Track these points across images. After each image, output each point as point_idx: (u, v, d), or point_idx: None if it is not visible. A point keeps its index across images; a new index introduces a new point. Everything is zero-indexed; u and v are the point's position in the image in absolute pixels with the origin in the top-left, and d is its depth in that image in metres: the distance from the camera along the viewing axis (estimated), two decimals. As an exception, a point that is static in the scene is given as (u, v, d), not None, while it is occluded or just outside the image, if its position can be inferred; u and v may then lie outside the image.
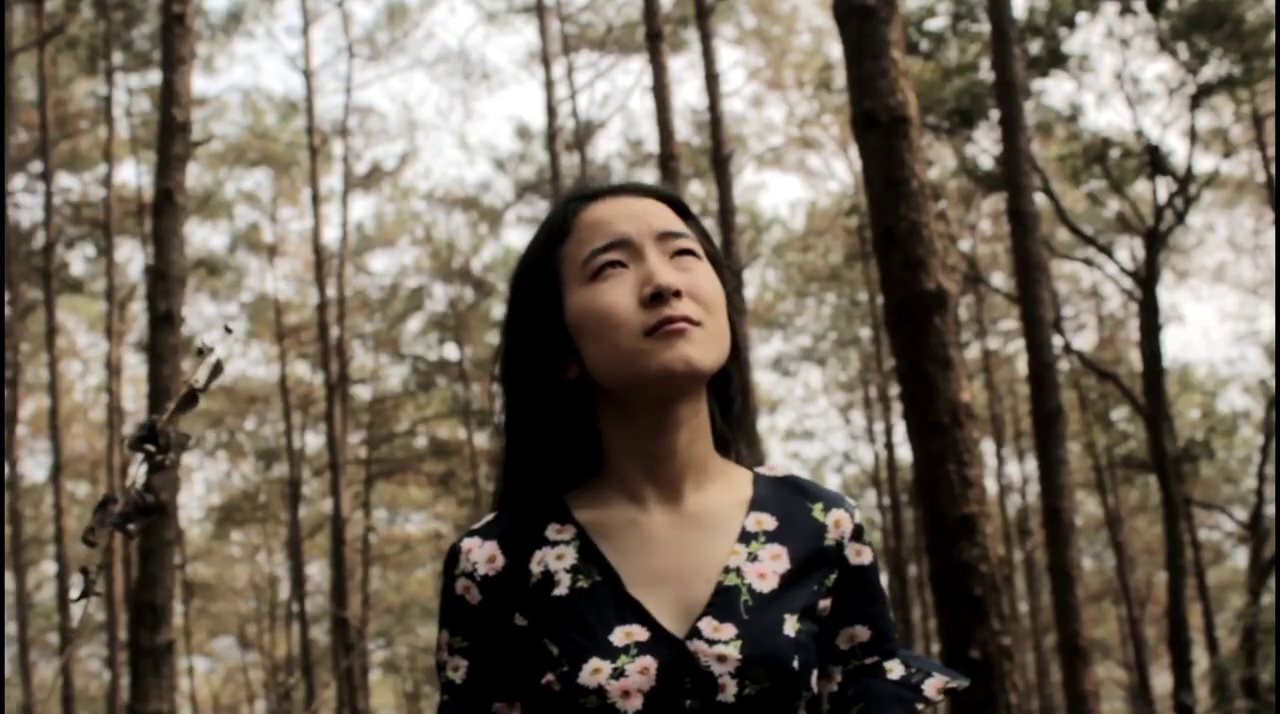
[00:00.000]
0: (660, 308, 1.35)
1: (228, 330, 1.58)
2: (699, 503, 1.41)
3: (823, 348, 26.08)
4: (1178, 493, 14.13)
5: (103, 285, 21.08)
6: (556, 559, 1.39)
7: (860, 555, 1.45)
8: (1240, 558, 25.58)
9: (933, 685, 1.42)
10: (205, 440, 27.55)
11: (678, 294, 1.36)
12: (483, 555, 1.40)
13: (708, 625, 1.34)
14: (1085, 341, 23.92)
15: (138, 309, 22.17)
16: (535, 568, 1.38)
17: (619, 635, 1.33)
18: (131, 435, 1.53)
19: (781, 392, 28.17)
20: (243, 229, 25.36)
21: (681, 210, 1.47)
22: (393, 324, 25.54)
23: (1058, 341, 17.09)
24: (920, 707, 1.42)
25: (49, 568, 25.58)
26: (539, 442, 1.43)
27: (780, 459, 29.70)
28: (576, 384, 1.41)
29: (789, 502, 1.45)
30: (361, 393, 25.20)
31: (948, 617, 5.45)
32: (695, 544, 1.39)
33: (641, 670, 1.30)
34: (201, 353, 1.53)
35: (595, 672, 1.31)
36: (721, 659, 1.32)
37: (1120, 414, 20.39)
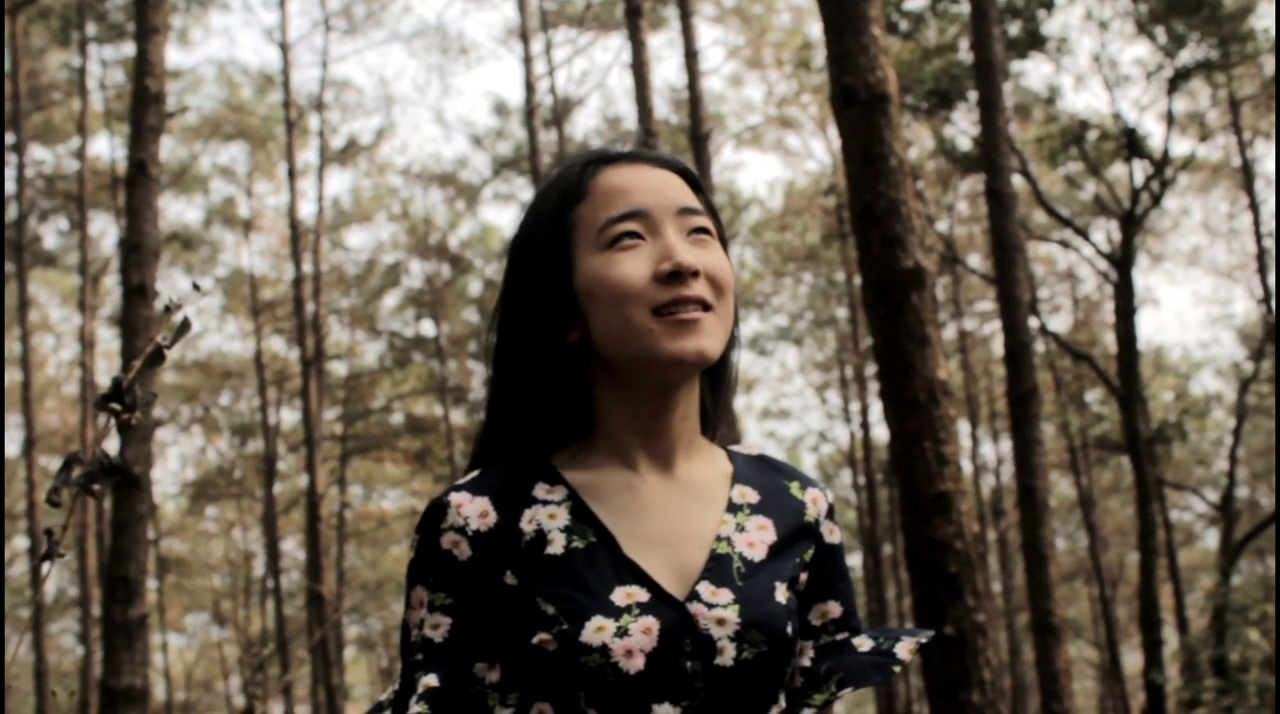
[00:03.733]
0: (676, 287, 1.35)
1: (196, 288, 1.56)
2: (689, 473, 1.43)
3: (799, 327, 26.11)
4: (1150, 474, 14.21)
5: (76, 259, 20.92)
6: (549, 518, 1.37)
7: (833, 534, 1.49)
8: (1211, 539, 25.83)
9: (904, 648, 1.45)
10: (180, 415, 27.43)
11: (695, 274, 1.36)
12: (474, 510, 1.37)
13: (706, 589, 1.35)
14: (1061, 323, 24.02)
15: (111, 283, 22.03)
16: (527, 526, 1.37)
17: (620, 595, 1.33)
18: (97, 395, 1.51)
19: (758, 371, 28.24)
20: (218, 203, 25.20)
21: (695, 184, 1.46)
22: (369, 300, 25.44)
23: (1033, 323, 17.15)
24: (896, 669, 1.44)
25: (21, 543, 25.48)
26: (530, 401, 1.41)
27: (757, 438, 29.76)
28: (576, 348, 1.41)
29: (766, 477, 1.47)
30: (337, 369, 25.12)
31: (922, 593, 5.47)
32: (687, 511, 1.40)
33: (645, 630, 1.31)
34: (169, 311, 1.51)
35: (599, 630, 1.30)
36: (721, 622, 1.33)
37: (1095, 396, 20.49)
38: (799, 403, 29.26)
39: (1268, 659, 13.08)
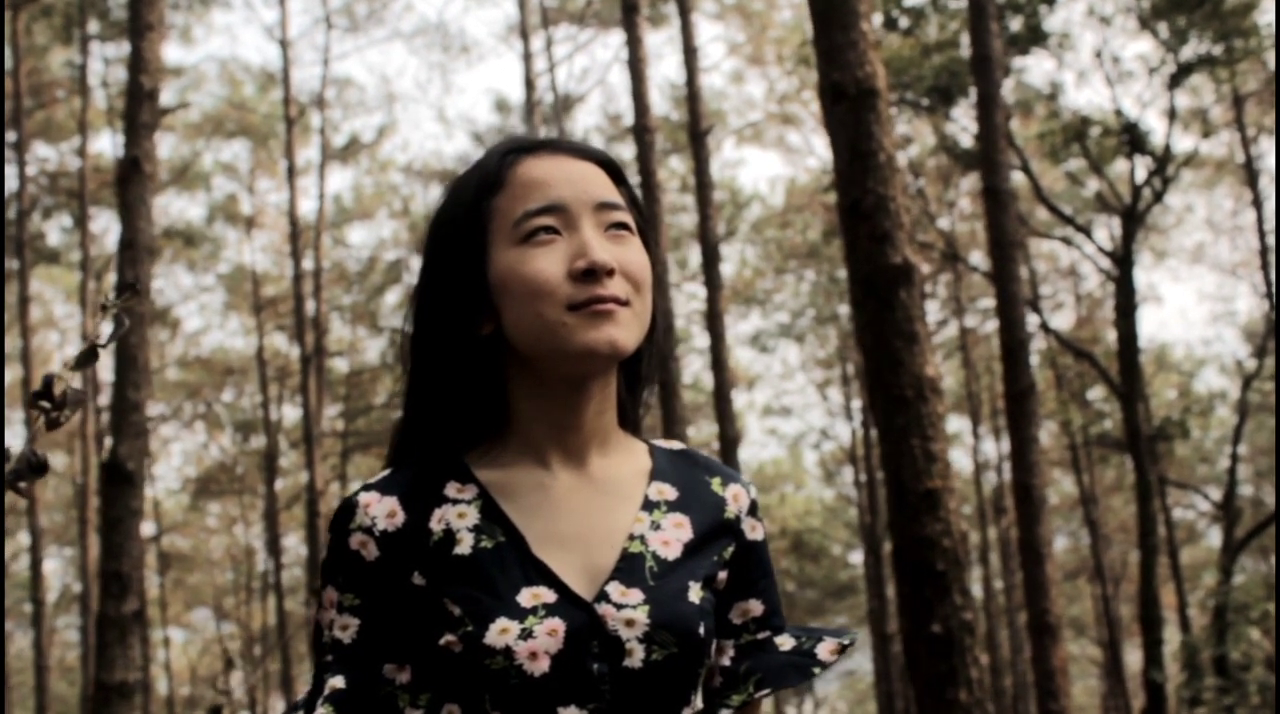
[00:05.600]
0: (591, 285, 1.33)
1: (134, 288, 1.54)
2: (604, 470, 1.40)
3: (801, 324, 26.07)
4: (1151, 472, 14.16)
5: (79, 256, 20.95)
6: (458, 517, 1.35)
7: (755, 531, 1.45)
8: (1215, 537, 25.74)
9: (825, 649, 1.43)
10: (183, 411, 27.46)
11: (610, 272, 1.34)
12: (382, 510, 1.35)
13: (615, 590, 1.32)
14: (1063, 320, 23.96)
15: (114, 280, 22.02)
16: (436, 526, 1.35)
17: (526, 596, 1.30)
18: (30, 392, 1.49)
19: (760, 368, 28.22)
20: (220, 200, 25.22)
21: (617, 175, 1.43)
22: (371, 297, 25.44)
23: (1034, 320, 17.09)
24: (816, 671, 1.42)
25: (24, 539, 25.51)
26: (444, 397, 1.39)
27: (758, 435, 29.74)
28: (489, 341, 1.38)
29: (687, 474, 1.44)
30: (339, 365, 25.12)
31: (910, 591, 5.44)
32: (600, 509, 1.38)
33: (550, 632, 1.28)
34: (106, 308, 1.49)
35: (503, 632, 1.28)
36: (630, 624, 1.30)
37: (1097, 393, 20.44)
38: (800, 400, 29.21)
39: (1269, 658, 13.04)
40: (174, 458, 29.32)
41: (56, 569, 28.84)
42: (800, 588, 30.51)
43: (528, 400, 1.39)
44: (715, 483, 1.45)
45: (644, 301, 1.37)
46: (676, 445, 1.47)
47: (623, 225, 1.38)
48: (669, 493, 1.41)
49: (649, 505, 1.39)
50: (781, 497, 31.51)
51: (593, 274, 1.33)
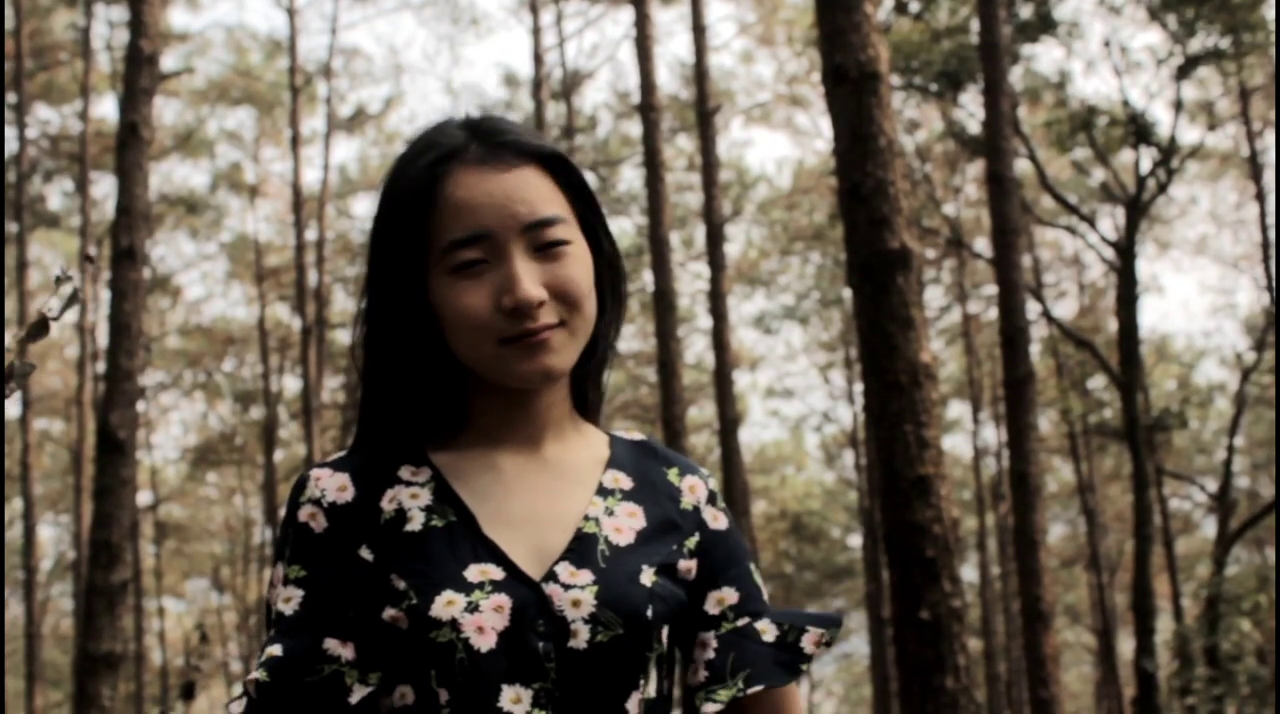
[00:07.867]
0: (521, 321, 1.32)
1: (89, 259, 1.52)
2: (558, 453, 1.41)
3: (805, 307, 26.03)
4: (1149, 462, 14.16)
5: (79, 220, 20.91)
6: (411, 498, 1.36)
7: (718, 520, 1.45)
8: (1209, 528, 25.75)
9: (809, 640, 1.41)
10: (183, 380, 27.44)
11: (541, 304, 1.33)
12: (333, 484, 1.37)
13: (564, 570, 1.33)
14: (1066, 309, 23.92)
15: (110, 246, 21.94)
16: (387, 505, 1.36)
17: (474, 572, 1.31)
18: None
19: (763, 349, 28.20)
20: (224, 168, 25.15)
21: (559, 168, 1.38)
22: (373, 269, 25.36)
23: (1037, 308, 17.05)
24: (803, 668, 1.41)
25: (19, 505, 25.55)
26: (400, 389, 1.39)
27: (760, 417, 29.74)
28: (439, 344, 1.38)
29: (644, 464, 1.45)
30: (340, 337, 25.08)
31: (899, 578, 5.43)
32: (553, 491, 1.39)
33: (496, 608, 1.28)
34: (60, 282, 1.47)
35: (449, 604, 1.28)
36: (576, 604, 1.30)
37: (1097, 382, 20.41)
38: (803, 382, 29.20)
39: (1259, 649, 13.06)
40: (173, 426, 29.35)
41: (52, 536, 28.88)
42: (799, 570, 30.56)
43: (480, 396, 1.40)
44: (672, 474, 1.45)
45: (583, 313, 1.36)
46: (637, 436, 1.48)
47: (556, 242, 1.35)
48: (624, 481, 1.42)
49: (603, 492, 1.40)
50: (782, 479, 31.54)
51: (521, 311, 1.32)
